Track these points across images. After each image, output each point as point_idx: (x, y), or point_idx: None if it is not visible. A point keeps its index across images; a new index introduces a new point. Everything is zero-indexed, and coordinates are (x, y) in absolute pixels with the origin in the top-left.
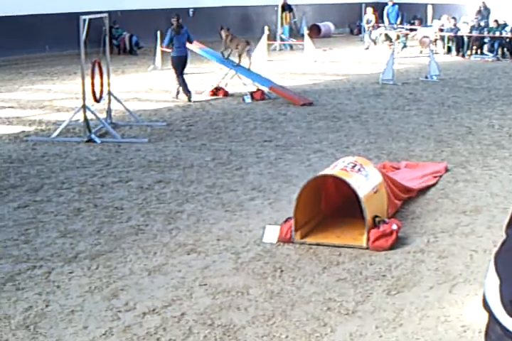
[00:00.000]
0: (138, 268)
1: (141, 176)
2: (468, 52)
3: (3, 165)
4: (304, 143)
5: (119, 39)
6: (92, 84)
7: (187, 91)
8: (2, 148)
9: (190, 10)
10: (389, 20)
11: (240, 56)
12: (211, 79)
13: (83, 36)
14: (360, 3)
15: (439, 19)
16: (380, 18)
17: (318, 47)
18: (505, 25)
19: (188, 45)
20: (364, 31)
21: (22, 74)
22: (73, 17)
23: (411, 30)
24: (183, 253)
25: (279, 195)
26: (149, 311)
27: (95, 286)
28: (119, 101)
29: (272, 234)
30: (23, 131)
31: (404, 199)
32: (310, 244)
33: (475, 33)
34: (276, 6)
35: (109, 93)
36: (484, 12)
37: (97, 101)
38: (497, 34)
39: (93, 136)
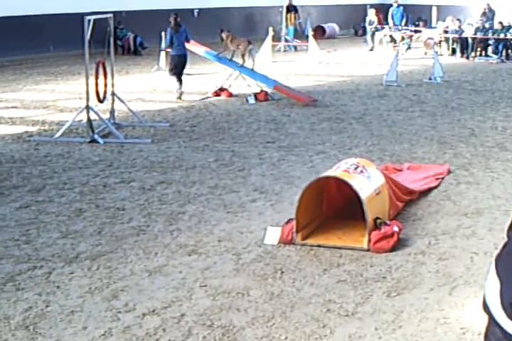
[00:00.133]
0: (138, 269)
1: (143, 177)
2: (473, 54)
3: (5, 165)
4: (307, 144)
5: (123, 39)
6: (96, 85)
7: (180, 88)
8: (5, 148)
9: (195, 11)
10: (393, 22)
11: (243, 56)
12: (215, 80)
13: (87, 36)
14: (365, 5)
15: (444, 21)
16: (384, 20)
17: (323, 49)
18: (510, 27)
19: (186, 44)
20: (366, 33)
21: (26, 74)
22: (78, 17)
23: (415, 31)
24: (184, 254)
25: (281, 197)
26: (149, 312)
27: (95, 287)
28: (122, 101)
29: (273, 235)
30: (26, 131)
31: (406, 201)
32: (311, 246)
33: (479, 35)
34: (281, 6)
35: (113, 93)
36: (489, 14)
37: (101, 101)
38: (502, 36)
39: (96, 136)
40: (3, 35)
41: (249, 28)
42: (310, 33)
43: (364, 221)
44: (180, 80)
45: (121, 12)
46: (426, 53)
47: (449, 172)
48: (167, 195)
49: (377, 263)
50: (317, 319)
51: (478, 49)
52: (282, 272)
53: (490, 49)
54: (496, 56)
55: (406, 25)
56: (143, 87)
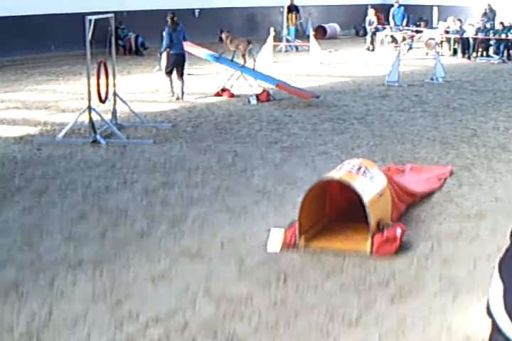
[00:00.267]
0: (142, 275)
1: (146, 178)
2: (474, 54)
3: (8, 167)
4: (309, 145)
5: (124, 39)
6: (98, 85)
7: (172, 89)
8: (7, 149)
9: (196, 11)
10: (395, 22)
11: (243, 56)
12: (216, 81)
13: (89, 36)
14: (366, 5)
15: (445, 21)
16: (385, 20)
17: (324, 49)
18: (511, 27)
19: (184, 44)
20: (365, 34)
21: (27, 74)
22: (79, 17)
23: (417, 32)
24: (187, 259)
25: (284, 199)
26: (152, 320)
27: (99, 294)
28: (124, 102)
29: (276, 238)
30: (28, 132)
31: (409, 202)
32: (314, 249)
33: (481, 35)
34: (282, 7)
35: (115, 94)
36: (490, 14)
37: (103, 102)
38: (503, 36)
39: (98, 137)
40: (4, 35)
41: (250, 28)
42: (311, 33)
43: (367, 224)
44: (182, 81)
45: (122, 12)
46: (427, 53)
47: (452, 173)
48: (170, 197)
49: (381, 268)
50: (321, 326)
51: (480, 49)
52: (285, 278)
53: (491, 49)
54: (497, 56)
55: (407, 25)
56: (145, 87)
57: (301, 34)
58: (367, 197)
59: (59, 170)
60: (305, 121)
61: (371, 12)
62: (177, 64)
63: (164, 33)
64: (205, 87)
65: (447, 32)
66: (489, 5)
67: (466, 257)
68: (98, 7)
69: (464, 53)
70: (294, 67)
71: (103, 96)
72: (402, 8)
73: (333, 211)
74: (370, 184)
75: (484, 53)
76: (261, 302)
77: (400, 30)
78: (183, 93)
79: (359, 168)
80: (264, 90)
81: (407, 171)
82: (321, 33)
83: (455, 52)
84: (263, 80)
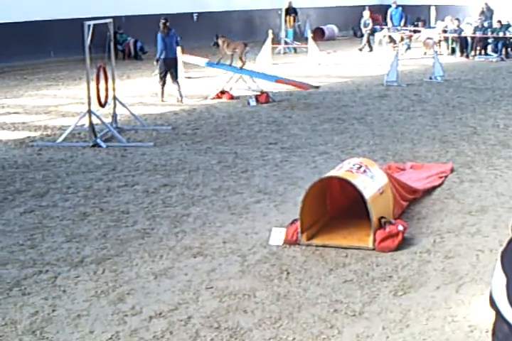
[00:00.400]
0: (144, 272)
1: (146, 180)
2: (472, 52)
3: (9, 171)
4: (309, 145)
5: (123, 44)
6: (97, 89)
7: (163, 92)
8: (8, 153)
9: (194, 15)
10: (392, 23)
11: (240, 59)
12: (216, 83)
13: (88, 42)
14: (364, 6)
15: (443, 20)
16: (383, 20)
17: (323, 50)
18: (509, 25)
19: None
20: (361, 35)
21: (27, 79)
22: (78, 23)
23: (415, 31)
24: (189, 256)
25: (285, 197)
26: (156, 315)
27: (101, 290)
28: (124, 105)
29: (278, 236)
30: (29, 137)
31: (410, 200)
32: (316, 246)
33: (478, 34)
34: (280, 9)
35: (115, 98)
36: (487, 13)
37: (102, 106)
38: (501, 34)
39: (99, 140)
40: (4, 41)
41: (248, 31)
42: (309, 34)
43: (368, 220)
44: (177, 84)
45: (120, 17)
46: (425, 53)
47: (452, 170)
48: (171, 198)
49: (383, 263)
50: (324, 319)
51: (478, 48)
52: (288, 273)
53: (489, 47)
54: (495, 54)
55: (405, 25)
56: (144, 91)
57: (299, 36)
58: (368, 194)
59: (60, 174)
60: (305, 121)
61: (366, 14)
62: (170, 68)
63: (157, 38)
64: (204, 89)
65: (445, 31)
66: (486, 4)
67: (469, 251)
68: (97, 12)
69: (462, 52)
70: (293, 68)
71: (103, 101)
72: (400, 8)
73: (335, 209)
74: (370, 182)
75: (482, 52)
76: (264, 296)
77: (398, 31)
78: (181, 96)
79: (359, 167)
80: (263, 92)
81: (408, 169)
82: (319, 34)
83: (453, 51)
84: (262, 78)
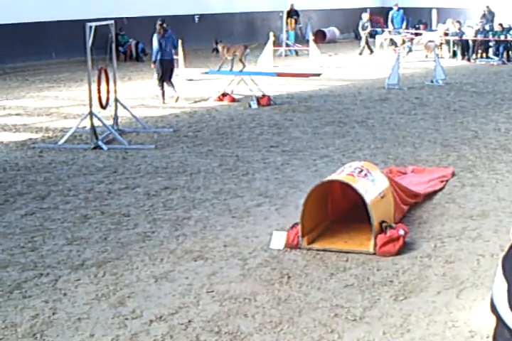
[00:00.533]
0: (145, 275)
1: (147, 183)
2: (474, 56)
3: (10, 173)
4: (310, 148)
5: (125, 46)
6: (99, 91)
7: (163, 94)
8: (9, 155)
9: (196, 16)
10: (393, 25)
11: (241, 61)
12: (217, 86)
13: (89, 43)
14: (365, 9)
15: (444, 23)
16: (385, 23)
17: (324, 53)
18: (510, 28)
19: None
20: (360, 38)
21: (29, 81)
22: (79, 24)
23: (416, 34)
24: (190, 259)
25: (286, 201)
26: (156, 318)
27: (102, 294)
28: (125, 107)
29: (279, 240)
30: (30, 138)
31: (411, 204)
32: (317, 250)
33: (480, 37)
34: (282, 12)
35: (116, 100)
36: (489, 16)
37: (103, 108)
38: (502, 38)
39: (100, 142)
40: (5, 42)
41: (250, 33)
42: (311, 37)
43: (369, 224)
44: (171, 84)
45: (122, 18)
46: (427, 56)
47: (454, 174)
48: (172, 201)
49: (384, 267)
50: (325, 324)
51: (479, 51)
52: (289, 277)
53: (491, 51)
54: (496, 58)
55: (406, 28)
56: (145, 93)
57: (300, 38)
58: (369, 198)
59: (61, 176)
60: (306, 124)
61: (365, 16)
62: (167, 69)
63: (153, 40)
64: (205, 91)
65: (446, 34)
66: (488, 7)
67: (469, 256)
68: (98, 14)
69: (463, 55)
70: (294, 71)
71: (104, 103)
72: (402, 11)
73: (336, 213)
74: (372, 186)
75: (484, 55)
76: (265, 300)
77: (400, 33)
78: (177, 97)
79: (360, 171)
80: (264, 95)
81: (409, 173)
82: (320, 37)
83: (455, 54)
84: (264, 76)
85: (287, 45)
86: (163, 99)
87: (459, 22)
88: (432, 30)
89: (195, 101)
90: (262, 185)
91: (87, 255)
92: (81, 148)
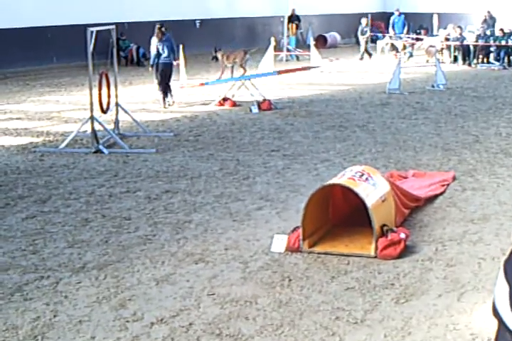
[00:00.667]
0: (146, 278)
1: (148, 186)
2: (475, 61)
3: (11, 176)
4: (311, 152)
5: (126, 51)
6: (100, 96)
7: (165, 99)
8: (10, 159)
9: (197, 21)
10: (394, 30)
11: (241, 66)
12: (218, 90)
13: (90, 48)
14: (366, 14)
15: (445, 28)
16: (386, 28)
17: (325, 58)
18: (511, 33)
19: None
20: (359, 43)
21: (30, 85)
22: (80, 29)
23: (417, 39)
24: (191, 262)
25: (287, 205)
26: (157, 321)
27: (103, 296)
28: (126, 112)
29: (280, 243)
30: (31, 142)
31: (412, 208)
32: (318, 253)
33: (481, 42)
34: (283, 17)
35: (117, 104)
36: (490, 21)
37: (104, 112)
38: (503, 43)
39: (101, 146)
40: (7, 47)
41: (251, 38)
42: (312, 42)
43: (370, 228)
44: (169, 87)
45: (123, 23)
46: (428, 61)
47: (454, 178)
48: (173, 204)
49: (385, 270)
50: (326, 327)
51: (480, 56)
52: (290, 280)
53: (492, 56)
54: (497, 63)
55: (407, 33)
56: (146, 98)
57: (301, 43)
58: (370, 202)
59: (62, 180)
60: (307, 129)
61: (364, 21)
62: (165, 73)
63: (151, 43)
64: (206, 96)
65: (447, 39)
66: (489, 12)
67: (471, 259)
68: (99, 19)
69: (464, 60)
70: (295, 76)
71: (105, 107)
72: (403, 16)
73: (337, 216)
74: (373, 190)
75: (485, 60)
76: (266, 303)
77: (401, 38)
78: (172, 100)
79: (361, 175)
80: (265, 99)
81: (410, 177)
82: (321, 42)
83: (456, 59)
84: (265, 76)
85: (288, 50)
86: (164, 103)
87: (460, 27)
88: (433, 36)
89: (191, 105)
90: (263, 189)
91: (88, 258)
92: (82, 152)
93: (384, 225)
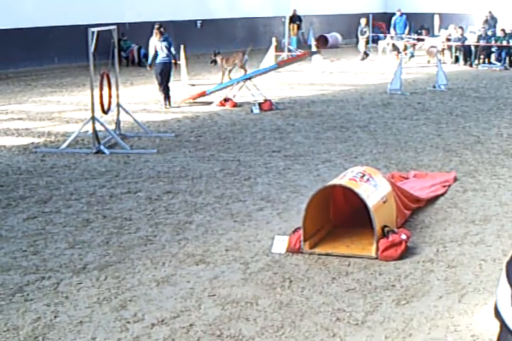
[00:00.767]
0: (146, 279)
1: (149, 187)
2: (476, 61)
3: (12, 177)
4: (312, 153)
5: (127, 51)
6: (101, 96)
7: (166, 99)
8: (11, 159)
9: (198, 22)
10: (396, 31)
11: (241, 67)
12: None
13: (92, 48)
14: (368, 14)
15: (447, 29)
16: (387, 29)
17: (326, 58)
18: None
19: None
20: (358, 43)
21: (31, 86)
22: (82, 29)
23: (418, 40)
24: (192, 263)
25: (288, 205)
26: (158, 322)
27: (104, 297)
28: (127, 112)
29: (280, 244)
30: (32, 143)
31: (413, 208)
32: (319, 254)
33: (482, 43)
34: (284, 17)
35: (118, 104)
36: (491, 21)
37: (106, 112)
38: (504, 43)
39: (102, 147)
40: (8, 48)
41: (252, 38)
42: (313, 42)
43: (372, 229)
44: (165, 88)
45: (124, 24)
46: (429, 61)
47: (456, 179)
48: (174, 205)
49: (386, 272)
50: (327, 328)
51: (481, 56)
52: (291, 281)
53: (493, 56)
54: (499, 63)
55: (409, 33)
56: (147, 98)
57: (302, 44)
58: (371, 203)
59: (63, 180)
60: (308, 129)
61: (363, 21)
62: (164, 72)
63: (149, 43)
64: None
65: (449, 40)
66: (490, 12)
67: (472, 260)
68: (101, 19)
69: (465, 61)
70: (297, 76)
71: (106, 107)
72: (404, 16)
73: (338, 217)
74: (374, 191)
75: (486, 60)
76: (266, 304)
77: (402, 39)
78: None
79: (363, 176)
80: (266, 100)
81: (411, 178)
82: (322, 42)
83: (457, 59)
84: (265, 71)
85: (289, 50)
86: (165, 103)
87: (461, 27)
88: (434, 36)
89: (191, 105)
90: (264, 190)
91: (89, 259)
92: (83, 153)
93: (385, 226)
